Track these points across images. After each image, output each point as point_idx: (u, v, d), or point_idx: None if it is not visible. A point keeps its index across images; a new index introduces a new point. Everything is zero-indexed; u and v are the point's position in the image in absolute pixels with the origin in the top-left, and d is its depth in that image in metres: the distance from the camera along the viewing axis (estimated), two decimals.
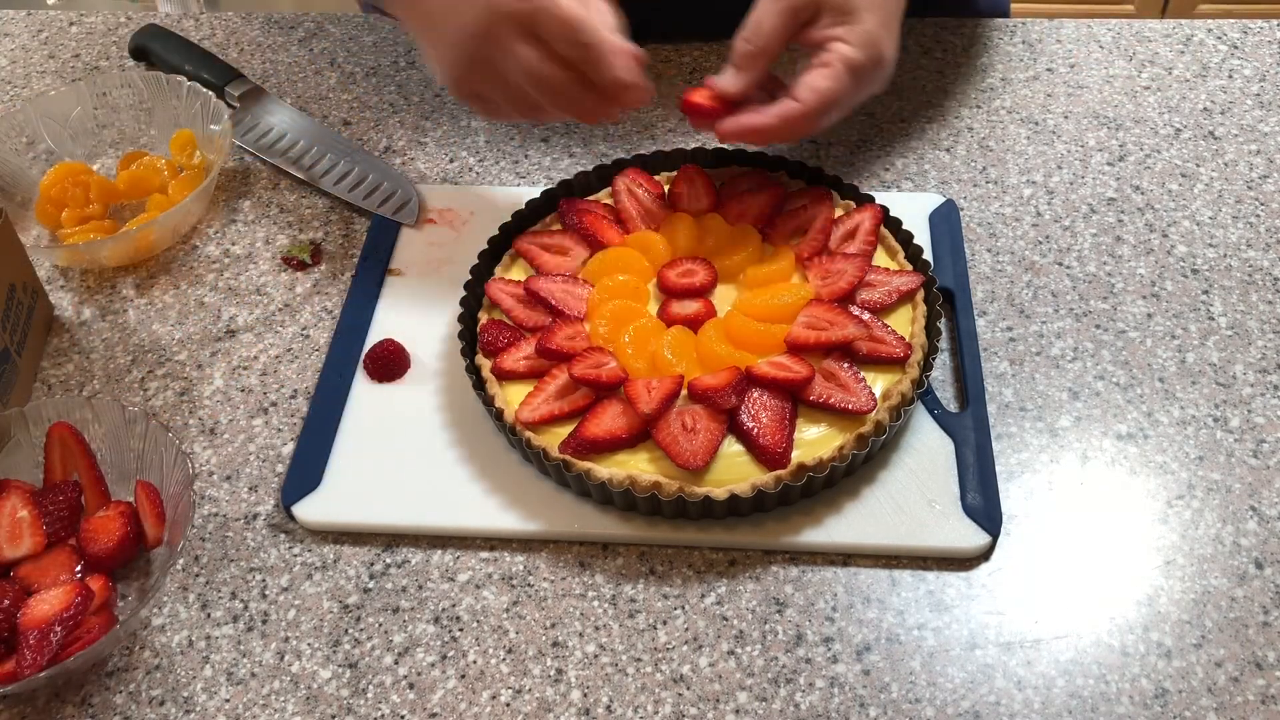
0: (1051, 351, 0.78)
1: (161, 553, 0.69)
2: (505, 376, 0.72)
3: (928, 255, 0.81)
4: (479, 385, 0.73)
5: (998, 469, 0.71)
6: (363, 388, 0.77)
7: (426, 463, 0.72)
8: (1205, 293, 0.81)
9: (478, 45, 0.73)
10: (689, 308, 0.75)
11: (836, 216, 0.80)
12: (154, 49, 1.02)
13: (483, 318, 0.77)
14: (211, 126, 0.92)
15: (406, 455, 0.73)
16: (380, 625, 0.66)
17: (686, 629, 0.65)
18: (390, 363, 0.77)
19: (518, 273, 0.80)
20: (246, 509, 0.72)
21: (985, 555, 0.67)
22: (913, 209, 0.85)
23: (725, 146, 0.91)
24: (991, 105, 0.97)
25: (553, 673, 0.64)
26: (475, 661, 0.64)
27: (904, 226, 0.79)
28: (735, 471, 0.67)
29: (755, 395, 0.69)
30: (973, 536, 0.67)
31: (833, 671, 0.63)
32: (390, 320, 0.81)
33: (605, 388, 0.69)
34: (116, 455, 0.71)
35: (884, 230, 0.79)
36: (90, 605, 0.63)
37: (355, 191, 0.90)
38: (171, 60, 1.00)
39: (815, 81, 0.74)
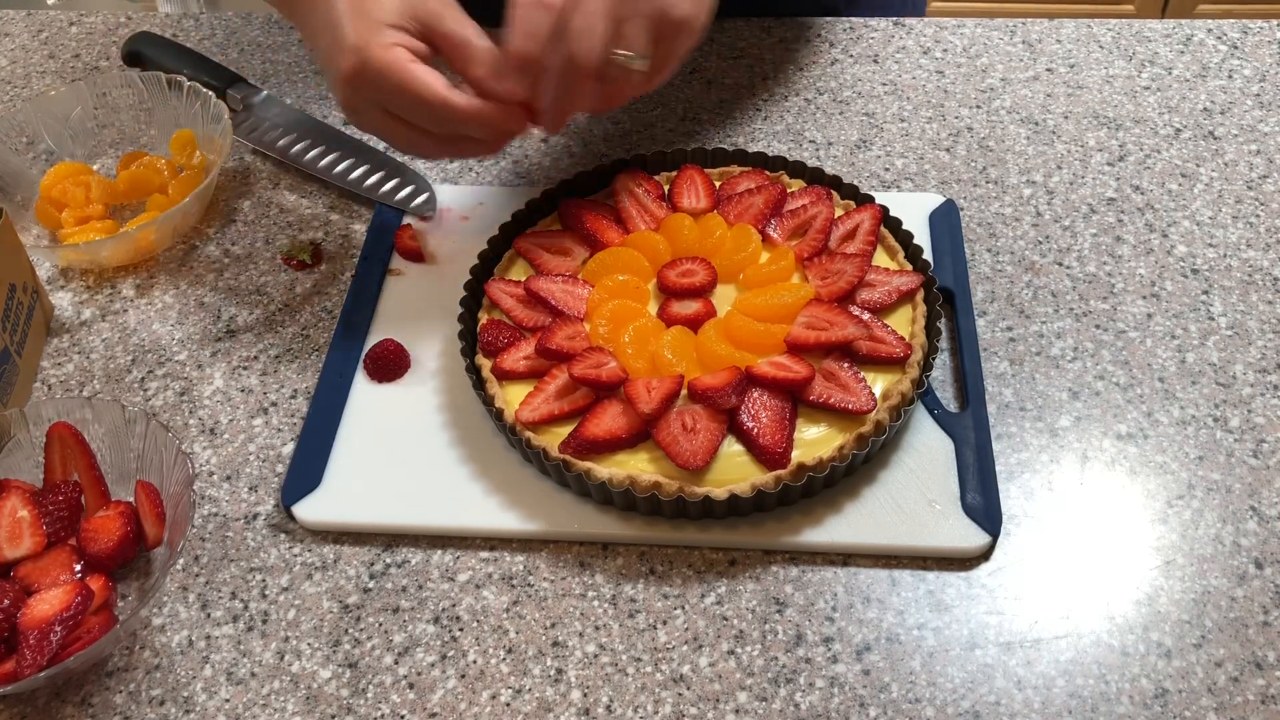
0: (1051, 351, 0.78)
1: (161, 553, 0.69)
2: (505, 376, 0.72)
3: (928, 255, 0.81)
4: (479, 385, 0.73)
5: (998, 469, 0.71)
6: (363, 388, 0.77)
7: (426, 463, 0.72)
8: (1205, 293, 0.81)
9: (354, 93, 0.73)
10: (689, 308, 0.75)
11: (836, 216, 0.80)
12: (147, 54, 1.01)
13: (483, 318, 0.77)
14: (211, 126, 0.92)
15: (406, 455, 0.73)
16: (380, 625, 0.66)
17: (686, 629, 0.65)
18: (390, 363, 0.77)
19: (518, 273, 0.80)
20: (246, 509, 0.72)
21: (985, 555, 0.67)
22: (913, 209, 0.85)
23: (725, 147, 0.91)
24: (991, 105, 0.97)
25: (553, 673, 0.64)
26: (475, 661, 0.64)
27: (904, 226, 0.79)
28: (735, 471, 0.67)
29: (755, 395, 0.69)
30: (973, 536, 0.67)
31: (833, 671, 0.63)
32: (390, 320, 0.81)
33: (605, 388, 0.69)
34: (116, 455, 0.71)
35: (884, 230, 0.79)
36: (90, 605, 0.63)
37: (373, 187, 0.90)
38: (166, 64, 0.99)
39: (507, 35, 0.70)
